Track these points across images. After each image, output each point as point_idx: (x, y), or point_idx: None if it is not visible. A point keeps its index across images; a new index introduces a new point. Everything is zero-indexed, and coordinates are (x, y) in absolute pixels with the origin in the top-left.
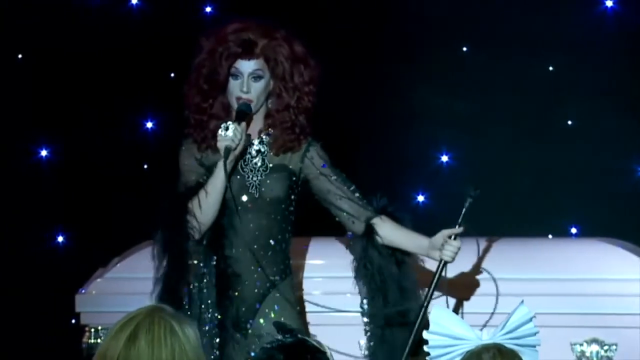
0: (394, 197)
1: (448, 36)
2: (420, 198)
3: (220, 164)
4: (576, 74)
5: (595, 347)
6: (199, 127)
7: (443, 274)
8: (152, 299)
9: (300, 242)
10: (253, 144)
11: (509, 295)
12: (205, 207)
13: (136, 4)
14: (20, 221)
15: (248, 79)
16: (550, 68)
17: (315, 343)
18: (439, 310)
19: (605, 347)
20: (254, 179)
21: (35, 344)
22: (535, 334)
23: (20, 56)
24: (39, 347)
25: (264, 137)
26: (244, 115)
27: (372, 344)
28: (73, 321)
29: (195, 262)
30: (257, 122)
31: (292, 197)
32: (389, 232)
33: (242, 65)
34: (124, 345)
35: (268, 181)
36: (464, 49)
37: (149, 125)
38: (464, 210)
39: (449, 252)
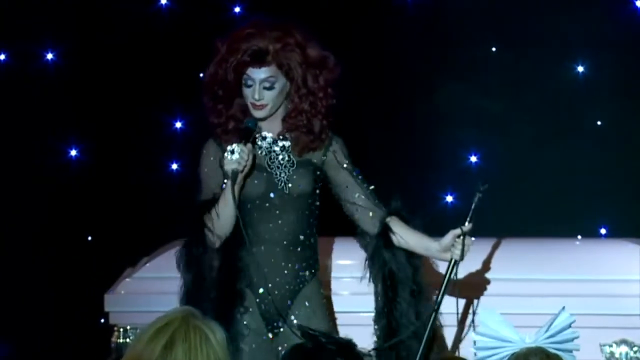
0: (422, 197)
1: (477, 36)
2: (449, 198)
3: (229, 187)
4: (606, 73)
5: (624, 349)
6: (218, 127)
7: (454, 274)
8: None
9: (328, 242)
10: (277, 141)
11: (539, 296)
12: (218, 226)
13: (165, 4)
14: (50, 220)
15: (260, 87)
16: (580, 68)
17: (332, 346)
18: (487, 312)
19: (635, 349)
20: (282, 175)
21: (64, 343)
22: (574, 339)
23: (50, 56)
24: (69, 346)
25: (286, 140)
26: (249, 132)
27: None
28: (102, 321)
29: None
30: (276, 123)
31: (317, 191)
32: (401, 233)
33: (254, 72)
34: (161, 353)
35: (295, 177)
36: (493, 49)
37: (178, 125)
38: (472, 206)
39: (459, 251)
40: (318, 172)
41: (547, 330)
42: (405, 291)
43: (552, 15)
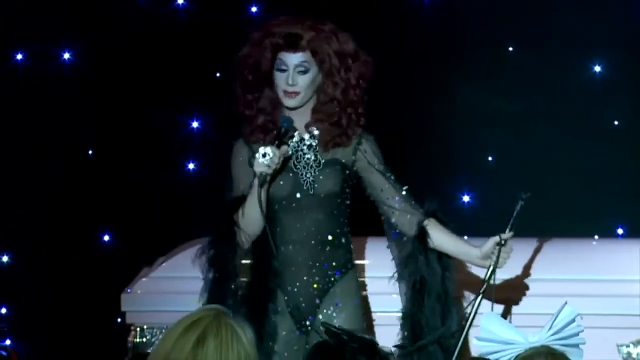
0: (439, 198)
1: (494, 37)
2: (466, 198)
3: (255, 188)
4: (623, 73)
5: None
6: (247, 121)
7: (492, 280)
8: (200, 303)
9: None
10: (304, 140)
11: (555, 296)
12: (245, 226)
13: (182, 3)
14: (66, 220)
15: (294, 72)
16: (597, 68)
17: (355, 344)
18: (488, 316)
19: None
20: (307, 175)
21: (81, 342)
22: (579, 333)
23: (67, 56)
24: (85, 345)
25: (314, 131)
26: (284, 133)
27: None
28: (119, 320)
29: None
30: (305, 115)
31: (347, 190)
32: (439, 237)
33: (288, 57)
34: (192, 349)
35: (321, 177)
36: (510, 49)
37: (195, 124)
38: (514, 214)
39: (500, 259)
40: (347, 172)
41: (550, 328)
42: (432, 297)
43: (568, 15)
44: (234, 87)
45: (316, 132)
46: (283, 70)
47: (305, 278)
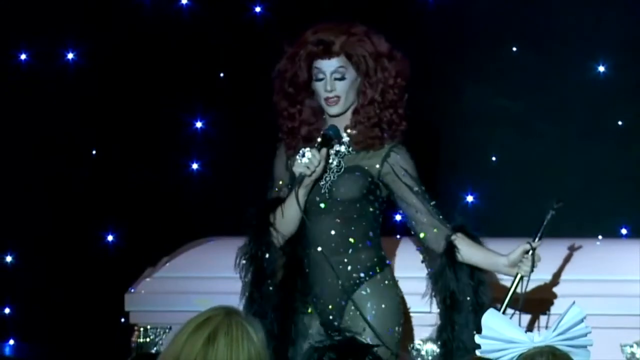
0: (443, 197)
1: (498, 36)
2: (470, 198)
3: (295, 189)
4: (627, 73)
5: None
6: (291, 134)
7: (519, 289)
8: (241, 304)
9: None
10: (333, 146)
11: (559, 297)
12: (281, 225)
13: (186, 3)
14: (70, 220)
15: (331, 78)
16: (601, 68)
17: (328, 343)
18: (490, 314)
19: None
20: (327, 178)
21: (85, 342)
22: (587, 334)
23: (71, 56)
24: (89, 345)
25: (345, 137)
26: (328, 140)
27: None
28: (122, 320)
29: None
30: (346, 119)
31: (371, 197)
32: (466, 250)
33: (323, 64)
34: (203, 346)
35: (339, 182)
36: (514, 48)
37: (199, 124)
38: (544, 223)
39: (528, 268)
40: (370, 179)
41: (556, 328)
42: (463, 312)
43: (572, 15)
44: (274, 102)
45: (347, 139)
46: (321, 79)
47: (329, 280)
